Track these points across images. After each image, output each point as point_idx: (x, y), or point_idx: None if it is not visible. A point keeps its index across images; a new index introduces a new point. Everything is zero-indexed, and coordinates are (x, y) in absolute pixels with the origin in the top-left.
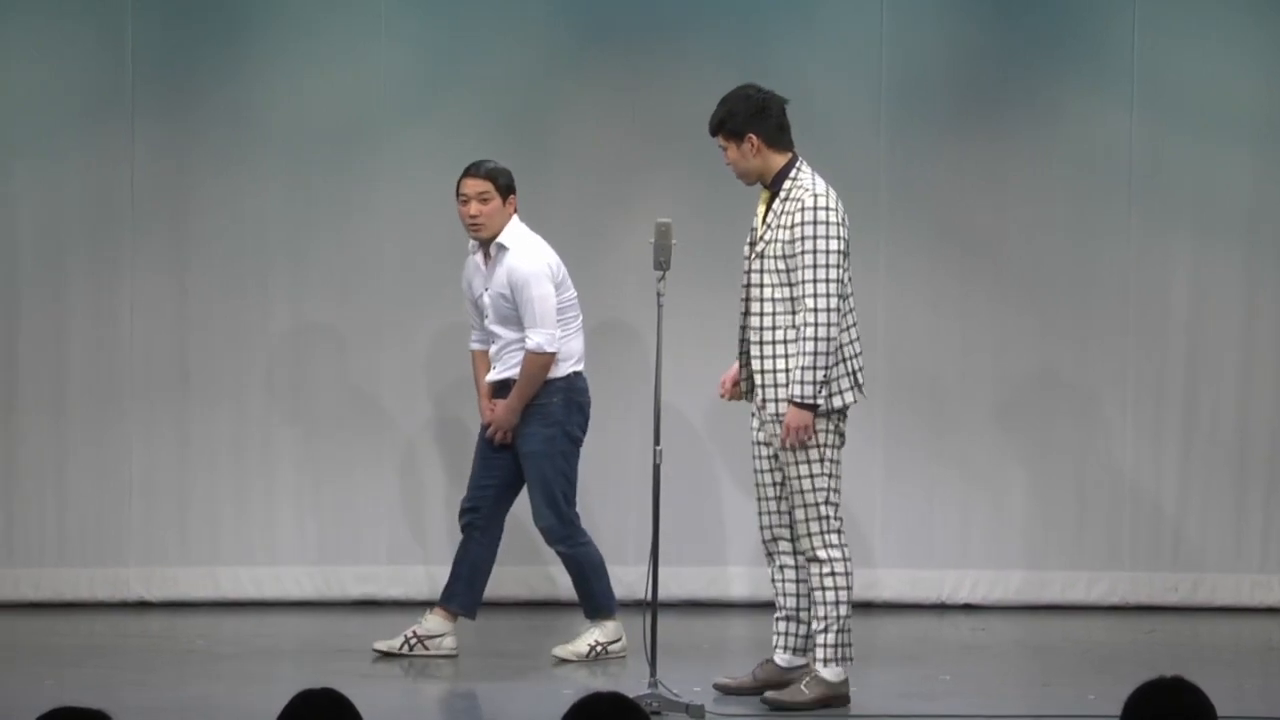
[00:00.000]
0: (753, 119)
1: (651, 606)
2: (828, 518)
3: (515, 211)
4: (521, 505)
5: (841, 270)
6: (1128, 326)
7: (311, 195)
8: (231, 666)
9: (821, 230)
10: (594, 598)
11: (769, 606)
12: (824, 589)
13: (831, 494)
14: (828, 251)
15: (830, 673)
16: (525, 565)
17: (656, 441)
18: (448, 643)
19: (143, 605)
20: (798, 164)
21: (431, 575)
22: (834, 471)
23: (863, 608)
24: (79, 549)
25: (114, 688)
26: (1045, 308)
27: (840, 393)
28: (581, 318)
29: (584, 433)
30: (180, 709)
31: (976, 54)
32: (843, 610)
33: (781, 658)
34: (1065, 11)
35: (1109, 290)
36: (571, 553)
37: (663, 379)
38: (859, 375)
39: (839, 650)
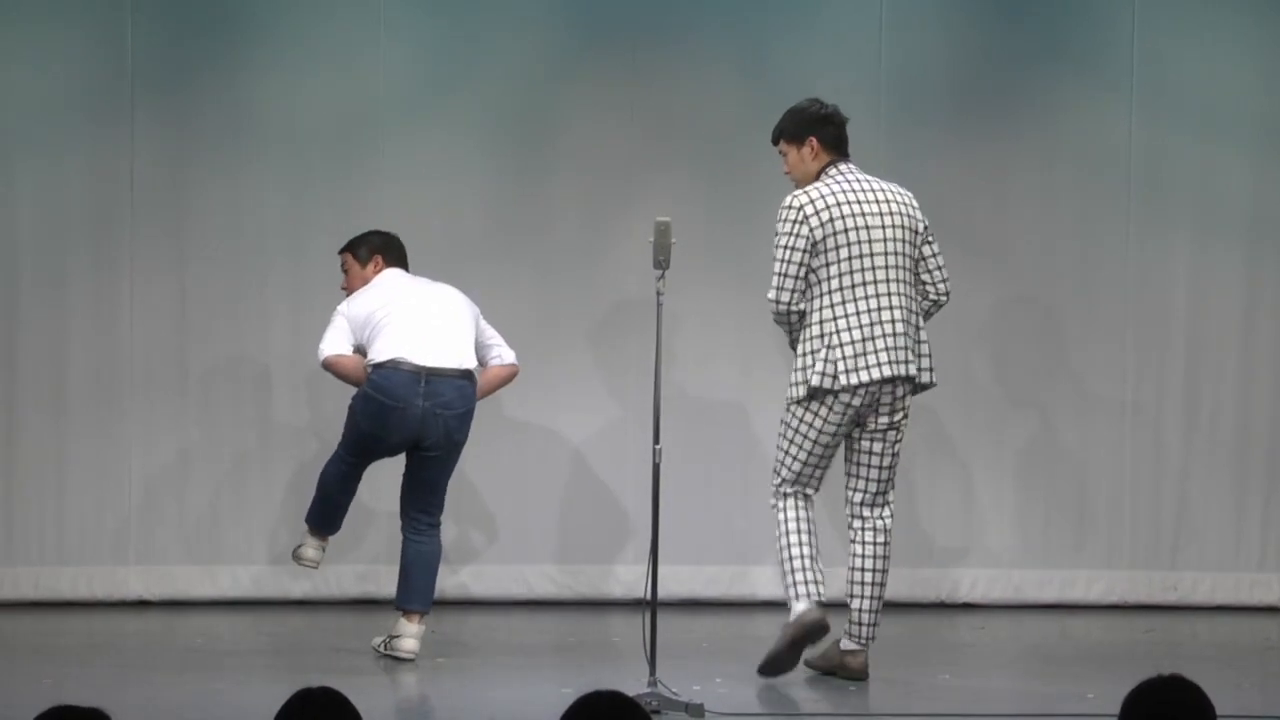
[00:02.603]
0: (815, 124)
1: (651, 605)
2: (776, 475)
3: (382, 268)
4: (520, 506)
5: (788, 265)
6: (1128, 326)
7: (311, 195)
8: (231, 665)
9: (778, 226)
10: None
11: (769, 605)
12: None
13: (786, 458)
14: (775, 246)
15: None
16: (525, 565)
17: (656, 441)
18: (404, 645)
19: (142, 604)
20: (826, 168)
21: None
22: (788, 449)
23: None
24: (78, 548)
25: (113, 687)
26: (1045, 307)
27: (809, 379)
28: (392, 326)
29: (367, 421)
30: (180, 708)
31: (976, 54)
32: (781, 555)
33: (845, 642)
34: (1065, 12)
35: (1109, 290)
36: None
37: (662, 378)
38: (845, 364)
39: (787, 591)
